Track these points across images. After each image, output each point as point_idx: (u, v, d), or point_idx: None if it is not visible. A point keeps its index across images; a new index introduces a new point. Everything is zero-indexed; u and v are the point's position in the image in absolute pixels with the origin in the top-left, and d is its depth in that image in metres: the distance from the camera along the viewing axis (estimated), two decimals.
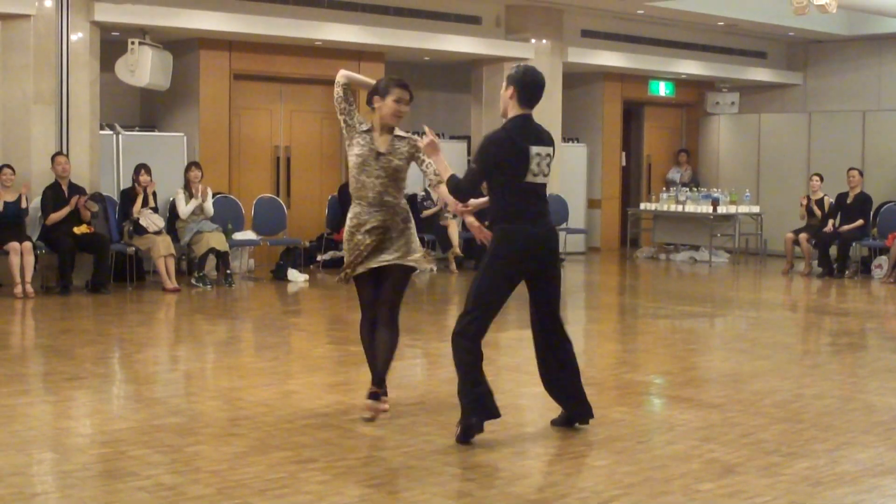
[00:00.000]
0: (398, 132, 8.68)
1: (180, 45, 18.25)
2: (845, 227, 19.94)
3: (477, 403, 7.77)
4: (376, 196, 8.60)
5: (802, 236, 20.25)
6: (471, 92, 22.39)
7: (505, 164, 7.72)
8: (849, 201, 20.23)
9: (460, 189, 8.03)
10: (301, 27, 18.44)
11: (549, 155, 7.86)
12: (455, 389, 7.86)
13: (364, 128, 8.62)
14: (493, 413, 7.82)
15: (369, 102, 8.65)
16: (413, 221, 9.07)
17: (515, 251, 7.93)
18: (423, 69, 22.56)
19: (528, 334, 13.24)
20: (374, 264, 8.67)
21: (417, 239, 9.08)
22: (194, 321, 14.08)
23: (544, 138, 7.88)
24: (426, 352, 12.07)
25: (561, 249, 21.96)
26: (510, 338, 13.19)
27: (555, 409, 8.24)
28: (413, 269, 8.97)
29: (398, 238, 8.81)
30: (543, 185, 7.92)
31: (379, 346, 8.58)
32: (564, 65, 22.04)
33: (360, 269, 8.75)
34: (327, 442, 7.64)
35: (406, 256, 8.83)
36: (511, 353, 12.15)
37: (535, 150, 7.73)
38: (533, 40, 21.33)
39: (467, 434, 7.65)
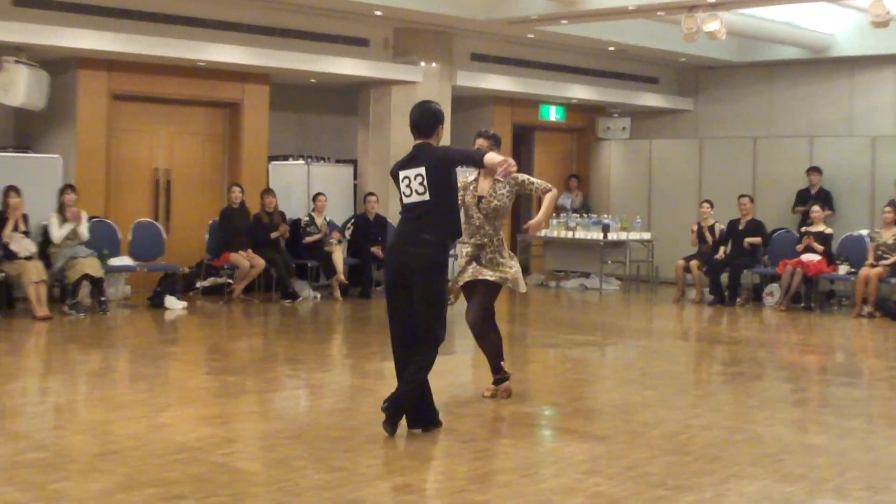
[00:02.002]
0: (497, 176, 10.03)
1: (58, 65, 17.96)
2: (750, 240, 20.21)
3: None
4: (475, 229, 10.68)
5: (693, 263, 20.41)
6: (358, 115, 22.30)
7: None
8: (740, 227, 20.43)
9: None
10: (183, 47, 18.21)
11: (419, 175, 8.83)
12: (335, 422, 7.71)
13: (470, 179, 10.55)
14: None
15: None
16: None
17: (388, 268, 9.31)
18: (310, 91, 22.48)
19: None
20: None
21: (507, 263, 10.99)
22: (66, 351, 13.81)
23: (415, 161, 8.95)
24: (308, 382, 11.94)
25: (450, 276, 22.06)
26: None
27: (445, 453, 8.14)
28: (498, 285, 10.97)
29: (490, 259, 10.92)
30: (417, 205, 8.91)
31: (484, 344, 10.82)
32: (454, 88, 22.03)
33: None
34: (198, 477, 7.48)
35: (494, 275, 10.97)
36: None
37: (402, 174, 8.96)
38: (422, 63, 21.28)
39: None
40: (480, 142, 10.24)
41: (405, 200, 8.95)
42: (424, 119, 9.15)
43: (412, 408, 8.95)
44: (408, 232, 8.96)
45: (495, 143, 10.19)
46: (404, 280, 8.91)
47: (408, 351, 8.97)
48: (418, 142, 9.08)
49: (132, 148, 19.38)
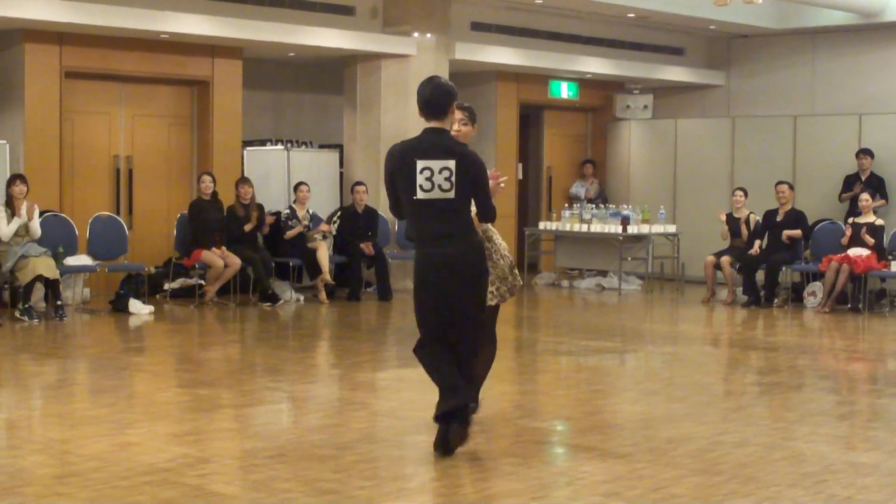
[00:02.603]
0: None
1: (2, 38, 18.07)
2: (789, 233, 20.25)
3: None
4: None
5: (725, 259, 20.46)
6: (343, 93, 22.38)
7: (397, 178, 8.88)
8: (778, 219, 20.40)
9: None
10: (144, 18, 18.24)
11: (447, 169, 8.64)
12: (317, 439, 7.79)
13: None
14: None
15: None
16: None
17: (416, 276, 9.06)
18: (288, 67, 22.57)
19: (406, 374, 13.32)
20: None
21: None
22: (18, 361, 13.88)
23: (439, 151, 8.69)
24: (290, 395, 12.04)
25: None
26: (388, 378, 13.23)
27: (445, 473, 8.23)
28: None
29: None
30: (436, 203, 8.74)
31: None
32: (451, 62, 22.05)
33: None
34: (169, 502, 7.58)
35: None
36: (389, 395, 12.16)
37: (423, 163, 8.64)
38: (415, 34, 21.32)
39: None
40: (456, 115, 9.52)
41: (419, 195, 8.71)
42: (438, 97, 8.86)
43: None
44: (430, 230, 8.86)
45: (471, 117, 9.65)
46: (437, 288, 8.86)
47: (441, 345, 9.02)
48: (433, 125, 8.86)
49: (88, 132, 19.47)
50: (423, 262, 8.95)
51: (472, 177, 8.73)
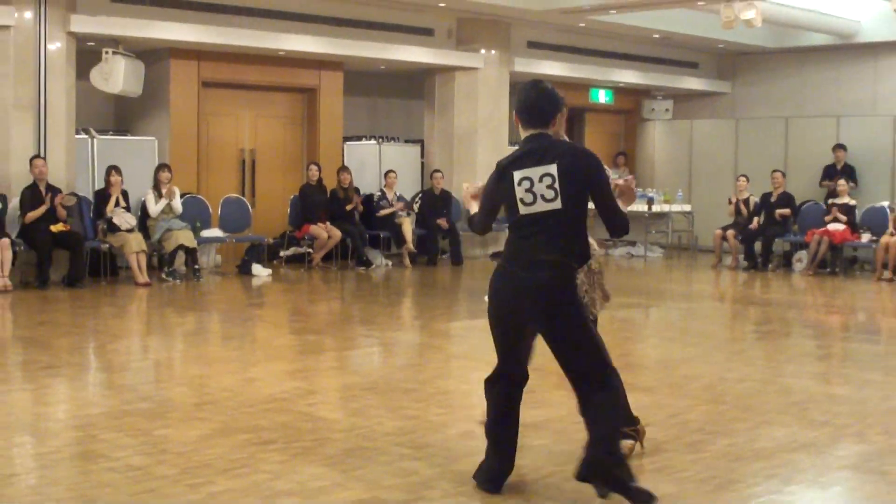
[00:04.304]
0: None
1: (152, 55, 18.13)
2: (781, 212, 20.27)
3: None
4: None
5: (730, 233, 20.40)
6: (424, 98, 22.38)
7: (496, 198, 6.31)
8: (773, 200, 20.44)
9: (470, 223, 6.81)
10: (265, 38, 18.35)
11: (548, 175, 6.03)
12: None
13: None
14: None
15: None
16: None
17: (496, 297, 6.26)
18: (380, 77, 22.55)
19: (474, 324, 13.32)
20: None
21: None
22: (164, 314, 14.01)
23: (539, 157, 6.10)
24: (381, 340, 12.08)
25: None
26: (460, 327, 13.25)
27: None
28: None
29: None
30: (541, 217, 6.06)
31: None
32: (511, 74, 22.02)
33: None
34: (285, 425, 7.62)
35: None
36: (460, 341, 12.19)
37: (520, 174, 6.08)
38: (482, 51, 21.33)
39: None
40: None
41: (522, 210, 6.06)
42: (544, 102, 6.25)
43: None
44: (526, 251, 6.10)
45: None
46: (518, 317, 6.15)
47: (521, 369, 6.42)
48: (532, 132, 6.23)
49: (220, 130, 19.58)
50: (500, 281, 6.19)
51: (583, 178, 6.05)
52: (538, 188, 6.02)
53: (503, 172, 6.16)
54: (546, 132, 6.22)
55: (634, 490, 5.83)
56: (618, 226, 6.24)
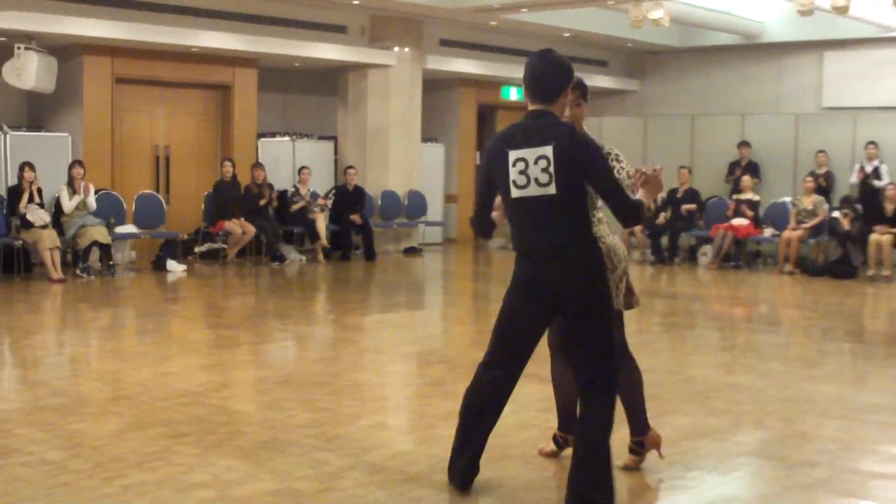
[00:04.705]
0: None
1: (65, 51, 17.98)
2: (687, 207, 20.56)
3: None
4: None
5: (637, 228, 20.51)
6: (337, 95, 22.37)
7: (493, 176, 5.90)
8: (679, 196, 20.68)
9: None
10: (179, 34, 18.23)
11: (543, 158, 5.61)
12: None
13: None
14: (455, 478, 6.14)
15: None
16: None
17: (513, 286, 5.95)
18: (294, 74, 22.52)
19: (387, 318, 13.39)
20: None
21: None
22: (79, 309, 13.91)
23: (536, 137, 5.68)
24: (295, 334, 12.08)
25: (420, 241, 22.25)
26: (372, 321, 13.30)
27: (416, 394, 8.27)
28: None
29: None
30: (532, 201, 5.67)
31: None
32: (424, 71, 22.11)
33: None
34: (199, 418, 7.64)
35: None
36: (372, 335, 12.23)
37: (515, 154, 5.70)
38: (395, 48, 21.34)
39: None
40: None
41: (514, 193, 5.68)
42: (549, 76, 5.87)
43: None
44: (528, 240, 5.75)
45: (583, 94, 6.65)
46: (541, 307, 5.80)
47: (517, 368, 6.03)
48: (536, 108, 5.82)
49: (134, 127, 19.45)
50: (526, 269, 5.78)
51: (577, 163, 5.58)
52: (532, 171, 5.61)
53: (499, 149, 5.78)
54: (550, 109, 5.79)
55: None
56: (627, 213, 5.71)
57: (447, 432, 7.29)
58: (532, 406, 8.05)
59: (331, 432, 7.31)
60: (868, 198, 19.47)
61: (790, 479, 6.42)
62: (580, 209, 5.69)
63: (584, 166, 5.61)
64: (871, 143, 20.24)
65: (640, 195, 5.81)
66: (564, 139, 5.59)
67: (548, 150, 5.56)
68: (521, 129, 5.75)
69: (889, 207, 18.46)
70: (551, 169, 5.56)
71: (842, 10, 17.17)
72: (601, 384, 5.68)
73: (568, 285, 5.62)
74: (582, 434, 5.68)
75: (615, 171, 6.13)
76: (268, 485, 6.10)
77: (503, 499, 5.99)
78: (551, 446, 6.82)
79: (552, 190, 5.57)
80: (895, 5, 16.98)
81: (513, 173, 5.66)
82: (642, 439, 6.57)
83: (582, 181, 5.66)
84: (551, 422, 7.27)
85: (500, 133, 5.91)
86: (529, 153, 5.62)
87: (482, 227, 6.15)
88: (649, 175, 5.90)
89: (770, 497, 6.10)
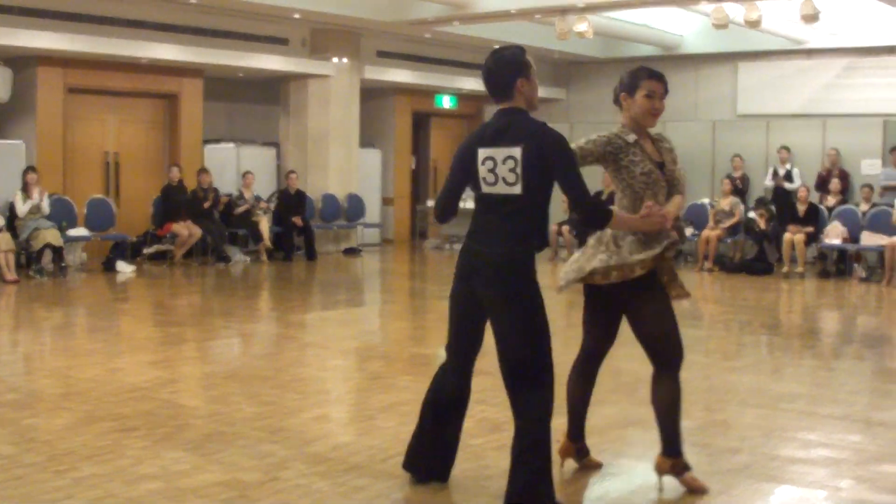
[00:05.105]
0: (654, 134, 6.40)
1: (20, 62, 17.80)
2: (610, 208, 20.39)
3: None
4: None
5: (565, 228, 20.65)
6: (279, 104, 22.28)
7: (458, 173, 5.80)
8: (604, 198, 20.70)
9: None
10: (129, 46, 18.10)
11: (511, 158, 5.45)
12: None
13: (631, 139, 6.25)
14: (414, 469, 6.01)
15: (616, 101, 6.47)
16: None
17: (456, 273, 5.80)
18: (238, 84, 22.39)
19: (328, 315, 13.29)
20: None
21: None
22: (32, 309, 13.72)
23: (505, 137, 5.51)
24: (240, 331, 11.98)
25: (359, 242, 22.19)
26: (314, 318, 13.22)
27: (357, 388, 8.19)
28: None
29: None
30: (500, 200, 5.55)
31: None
32: (362, 81, 22.05)
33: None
34: (148, 412, 7.54)
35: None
36: (314, 331, 12.15)
37: (484, 153, 5.55)
38: (334, 59, 21.27)
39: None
40: (650, 84, 6.39)
41: (483, 189, 5.58)
42: (498, 70, 5.67)
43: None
44: (486, 232, 5.61)
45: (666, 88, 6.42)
46: (472, 295, 5.64)
47: (466, 359, 5.91)
48: (502, 106, 5.65)
49: (85, 134, 19.23)
50: (461, 257, 5.74)
51: (546, 163, 5.43)
52: (500, 170, 5.47)
53: (468, 146, 5.66)
54: (515, 106, 5.63)
55: None
56: (586, 214, 5.65)
57: (387, 424, 7.28)
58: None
59: (275, 425, 7.23)
60: (781, 199, 19.66)
61: (713, 465, 6.41)
62: (540, 210, 5.58)
63: (551, 159, 5.45)
64: (784, 147, 20.46)
65: (637, 223, 5.75)
66: (534, 137, 5.46)
67: (516, 152, 5.42)
68: (492, 128, 5.58)
69: (801, 208, 18.63)
70: (518, 169, 5.41)
71: (754, 24, 17.30)
72: (531, 380, 5.53)
73: (486, 274, 5.53)
74: (518, 429, 5.53)
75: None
76: (214, 476, 6.01)
77: (439, 488, 5.93)
78: (596, 459, 6.40)
79: (518, 190, 5.44)
80: (804, 20, 17.07)
81: (482, 171, 5.54)
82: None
83: (549, 180, 5.49)
84: (487, 412, 7.24)
85: (474, 131, 5.78)
86: (498, 152, 5.48)
87: (442, 212, 6.00)
88: (652, 212, 5.76)
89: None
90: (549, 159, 5.43)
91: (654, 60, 24.05)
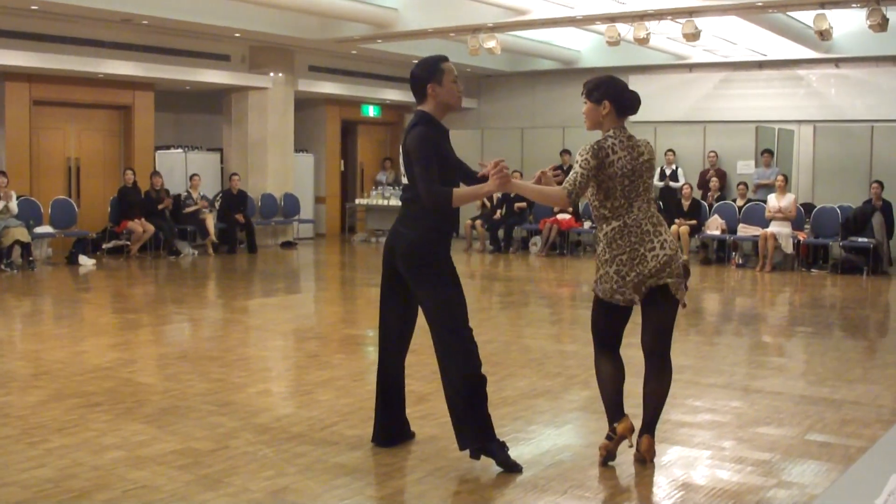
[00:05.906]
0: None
1: None
2: (519, 205, 20.57)
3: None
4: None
5: (478, 222, 20.76)
6: (222, 113, 22.15)
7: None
8: (512, 196, 20.79)
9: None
10: (87, 63, 17.92)
11: (404, 154, 5.62)
12: None
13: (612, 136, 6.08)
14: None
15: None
16: None
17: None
18: (185, 96, 22.23)
19: (268, 301, 13.25)
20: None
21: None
22: (3, 299, 13.50)
23: (404, 137, 5.65)
24: (190, 317, 11.91)
25: (295, 236, 22.12)
26: (256, 304, 13.18)
27: (295, 365, 8.20)
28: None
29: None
30: (406, 186, 5.70)
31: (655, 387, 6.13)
32: (296, 92, 22.00)
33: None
34: (110, 390, 7.51)
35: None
36: (256, 315, 12.13)
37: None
38: (271, 73, 21.21)
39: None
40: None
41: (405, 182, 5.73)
42: (413, 78, 5.70)
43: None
44: (401, 217, 5.76)
45: (589, 93, 6.25)
46: (392, 269, 5.81)
47: (396, 350, 6.00)
48: (416, 108, 5.75)
49: (49, 142, 19.01)
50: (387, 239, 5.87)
51: (407, 158, 5.55)
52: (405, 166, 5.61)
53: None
54: (421, 108, 5.67)
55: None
56: (422, 194, 5.49)
57: (323, 397, 7.31)
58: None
59: (223, 399, 7.24)
60: (668, 196, 19.88)
61: None
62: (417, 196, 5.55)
63: (410, 160, 5.54)
64: (670, 150, 20.67)
65: (491, 186, 5.54)
66: (405, 139, 5.61)
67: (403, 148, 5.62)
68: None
69: (685, 203, 18.84)
70: (402, 160, 5.62)
71: (643, 42, 17.47)
72: (440, 326, 5.65)
73: (397, 254, 5.69)
74: (445, 390, 5.70)
75: (576, 164, 5.79)
76: (171, 445, 6.02)
77: (373, 453, 5.99)
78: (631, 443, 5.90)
79: (406, 181, 5.66)
80: (686, 39, 17.28)
81: (402, 164, 5.68)
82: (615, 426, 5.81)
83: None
84: (413, 385, 7.27)
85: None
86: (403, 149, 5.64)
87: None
88: (492, 168, 5.59)
89: (596, 445, 6.17)
90: (409, 155, 5.53)
91: (555, 73, 24.25)
